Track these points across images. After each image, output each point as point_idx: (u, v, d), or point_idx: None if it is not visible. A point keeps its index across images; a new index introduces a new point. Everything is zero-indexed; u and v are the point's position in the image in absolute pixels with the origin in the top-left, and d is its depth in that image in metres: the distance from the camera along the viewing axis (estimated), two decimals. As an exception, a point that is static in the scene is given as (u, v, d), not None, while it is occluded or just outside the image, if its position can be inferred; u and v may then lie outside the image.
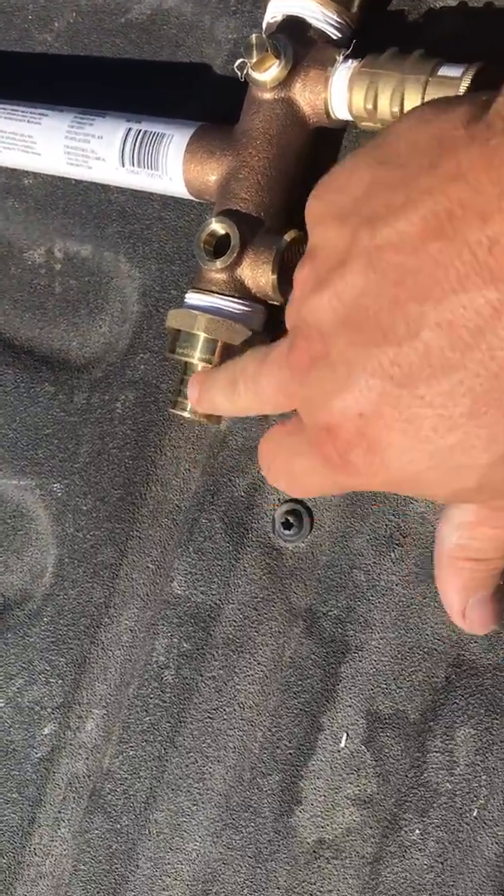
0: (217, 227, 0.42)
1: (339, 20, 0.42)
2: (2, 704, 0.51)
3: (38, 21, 0.56)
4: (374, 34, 0.44)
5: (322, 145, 0.44)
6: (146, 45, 0.53)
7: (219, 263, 0.42)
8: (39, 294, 0.54)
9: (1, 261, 0.55)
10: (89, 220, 0.52)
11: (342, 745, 0.42)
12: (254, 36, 0.40)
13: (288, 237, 0.42)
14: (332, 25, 0.42)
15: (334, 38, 0.42)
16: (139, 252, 0.51)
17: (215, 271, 0.42)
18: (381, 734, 0.41)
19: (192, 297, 0.43)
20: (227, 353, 0.42)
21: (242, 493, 0.46)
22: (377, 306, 0.29)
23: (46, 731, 0.50)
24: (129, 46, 0.54)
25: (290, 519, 0.44)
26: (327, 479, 0.33)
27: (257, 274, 0.42)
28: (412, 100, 0.39)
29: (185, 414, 0.44)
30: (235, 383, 0.38)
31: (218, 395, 0.40)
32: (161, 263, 0.50)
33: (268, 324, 0.44)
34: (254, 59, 0.40)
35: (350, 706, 0.42)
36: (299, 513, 0.44)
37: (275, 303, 0.43)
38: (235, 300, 0.42)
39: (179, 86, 0.52)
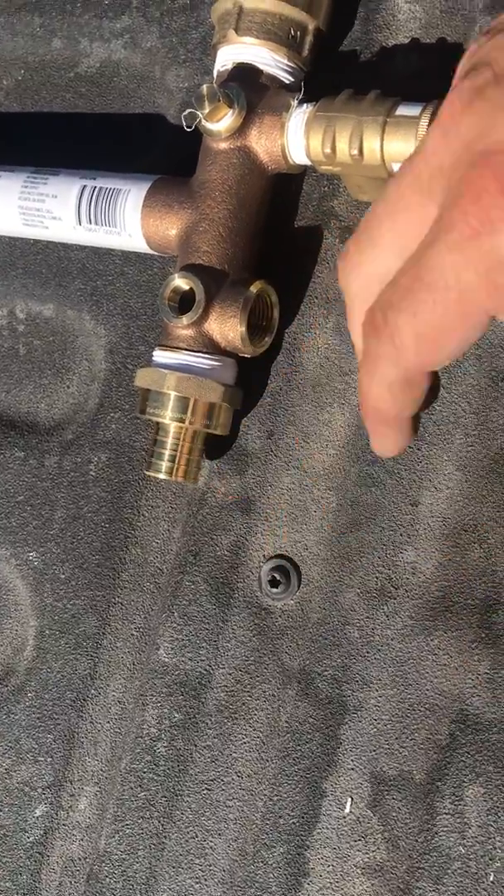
0: (181, 282, 0.41)
1: (290, 64, 0.41)
2: (-11, 788, 0.48)
3: (-15, 80, 0.55)
4: (326, 76, 0.43)
5: (281, 190, 0.43)
6: (97, 98, 0.52)
7: (185, 320, 0.40)
8: (3, 356, 0.52)
9: (-38, 325, 0.54)
10: (50, 279, 0.51)
11: (347, 810, 0.40)
12: (204, 87, 0.39)
13: (254, 288, 0.41)
14: (283, 70, 0.41)
15: (287, 82, 0.42)
16: (103, 309, 0.49)
17: (182, 327, 0.41)
18: (386, 797, 0.40)
19: (160, 355, 0.42)
20: (199, 409, 0.41)
21: (226, 552, 0.44)
22: None
23: (38, 812, 0.47)
24: (80, 100, 0.53)
25: (277, 576, 0.42)
26: (472, 254, 0.26)
27: (225, 328, 0.41)
28: (371, 141, 0.38)
29: (161, 475, 0.42)
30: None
31: (364, 380, 0.30)
32: (126, 319, 0.49)
33: (240, 376, 0.43)
34: (206, 110, 0.39)
35: (353, 769, 0.40)
36: (286, 569, 0.43)
37: (245, 355, 0.42)
38: (204, 356, 0.41)
39: (134, 138, 0.51)
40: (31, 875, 0.47)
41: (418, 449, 0.41)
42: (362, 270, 0.31)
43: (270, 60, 0.41)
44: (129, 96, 0.51)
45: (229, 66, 0.42)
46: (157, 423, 0.42)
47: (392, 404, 0.31)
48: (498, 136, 0.26)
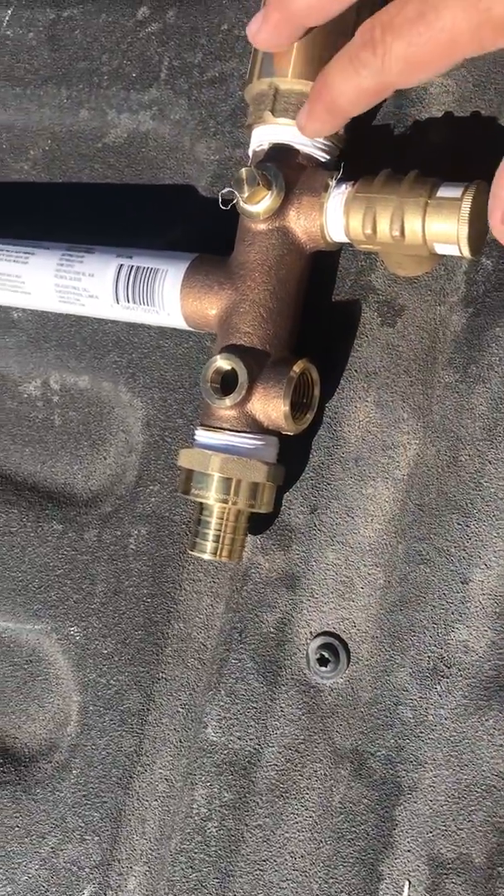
0: (223, 364, 0.41)
1: (326, 143, 0.41)
2: (36, 867, 0.48)
3: (12, 151, 0.56)
4: (360, 151, 0.43)
5: (318, 264, 0.43)
6: (126, 169, 0.52)
7: (228, 401, 0.40)
8: (38, 427, 0.52)
9: (-5, 395, 0.54)
10: (84, 352, 0.51)
11: (405, 894, 0.40)
12: (244, 170, 0.39)
13: (297, 368, 0.41)
14: (320, 149, 0.41)
15: (323, 160, 0.42)
16: (139, 381, 0.49)
17: (225, 408, 0.41)
18: (445, 881, 0.39)
19: (203, 435, 0.42)
20: (243, 489, 0.41)
21: (272, 629, 0.44)
22: None
23: (86, 893, 0.47)
24: (109, 171, 0.53)
25: (326, 654, 0.42)
26: (468, 4, 0.30)
27: (269, 408, 0.40)
28: (413, 222, 0.38)
29: (206, 556, 0.42)
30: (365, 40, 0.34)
31: (337, 76, 0.36)
32: (163, 392, 0.49)
33: (281, 454, 0.43)
34: (245, 194, 0.39)
35: (409, 851, 0.40)
36: (334, 647, 0.42)
37: (287, 433, 0.42)
38: (248, 436, 0.41)
39: (164, 208, 0.51)
40: None
41: (468, 526, 0.40)
42: None
43: (307, 141, 0.41)
44: (159, 167, 0.51)
45: (265, 146, 0.42)
46: (201, 504, 0.42)
47: (352, 105, 0.37)
48: None
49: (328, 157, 0.42)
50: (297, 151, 0.41)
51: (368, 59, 0.34)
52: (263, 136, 0.42)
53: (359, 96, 0.36)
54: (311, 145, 0.41)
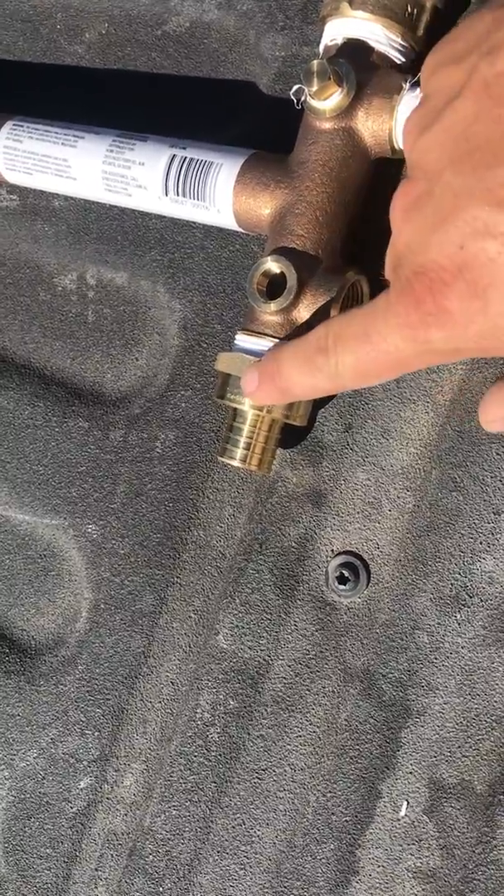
0: (272, 266, 0.39)
1: (403, 44, 0.39)
2: (35, 755, 0.48)
3: (67, 31, 0.53)
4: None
5: (379, 174, 0.41)
6: (185, 60, 0.50)
7: (273, 306, 0.39)
8: (71, 322, 0.51)
9: (29, 285, 0.52)
10: (125, 247, 0.50)
11: (402, 813, 0.40)
12: (315, 63, 0.37)
13: (349, 277, 0.39)
14: (396, 49, 0.39)
15: (398, 62, 0.40)
16: (180, 283, 0.48)
17: (269, 313, 0.39)
18: (444, 804, 0.39)
19: (244, 340, 0.40)
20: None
21: (294, 544, 0.44)
22: (489, 131, 0.29)
23: (82, 784, 0.47)
24: (167, 61, 0.51)
25: (346, 573, 0.42)
26: (408, 338, 0.32)
27: (314, 318, 0.39)
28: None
29: (235, 462, 0.41)
30: (320, 345, 0.35)
31: (293, 371, 0.37)
32: (203, 296, 0.47)
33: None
34: (314, 88, 0.38)
35: (411, 773, 0.40)
36: (355, 567, 0.42)
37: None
38: (291, 344, 0.40)
39: (222, 105, 0.49)
40: (73, 844, 0.47)
41: (506, 457, 0.40)
42: None
43: (384, 38, 0.39)
44: (219, 60, 0.49)
45: (339, 41, 0.40)
46: (235, 409, 0.41)
47: (306, 395, 0.39)
48: (428, 258, 0.31)
49: (404, 60, 0.40)
50: (371, 50, 0.39)
51: (323, 364, 0.35)
52: (337, 30, 0.40)
53: (314, 391, 0.37)
54: (388, 44, 0.39)
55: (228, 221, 0.43)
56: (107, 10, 0.52)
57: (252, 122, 0.47)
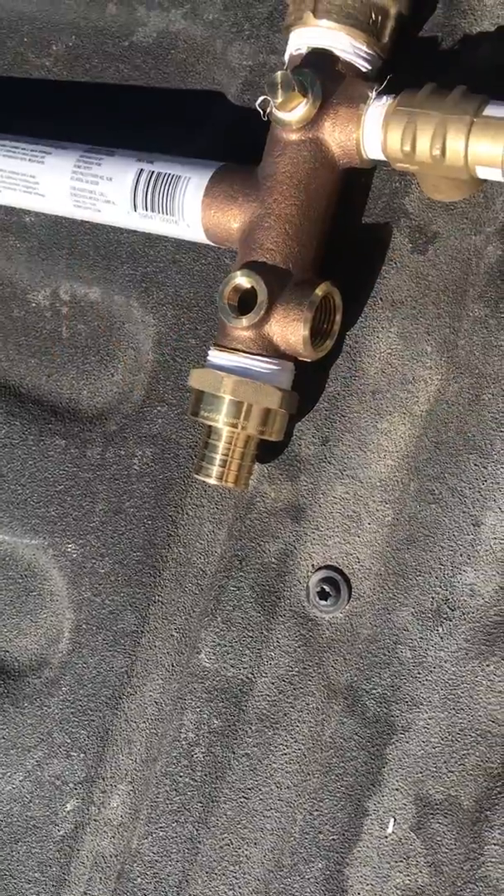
0: (242, 280, 0.39)
1: (369, 52, 0.39)
2: (20, 779, 0.48)
3: (34, 45, 0.53)
4: (404, 63, 0.40)
5: (349, 183, 0.41)
6: (153, 71, 0.49)
7: (245, 321, 0.38)
8: (45, 339, 0.51)
9: (2, 302, 0.52)
10: (98, 262, 0.49)
11: (390, 830, 0.40)
12: (279, 74, 0.37)
13: (320, 291, 0.39)
14: (361, 58, 0.39)
15: (364, 70, 0.39)
16: (153, 297, 0.47)
17: (241, 329, 0.39)
18: (432, 821, 0.39)
19: (216, 356, 0.40)
20: (255, 414, 0.39)
21: (273, 559, 0.43)
22: None
23: (69, 807, 0.47)
24: (135, 72, 0.50)
25: (327, 588, 0.41)
26: None
27: (287, 331, 0.39)
28: (455, 141, 0.36)
29: (211, 480, 0.41)
30: None
31: None
32: (177, 310, 0.47)
33: (296, 381, 0.41)
34: (279, 99, 0.37)
35: (397, 790, 0.40)
36: (336, 581, 0.41)
37: (305, 359, 0.40)
38: (263, 359, 0.39)
39: (190, 115, 0.48)
40: (61, 868, 0.47)
41: (485, 467, 0.39)
42: None
43: (349, 47, 0.38)
44: (187, 71, 0.49)
45: (303, 51, 0.39)
46: (210, 426, 0.41)
47: None
48: None
49: (369, 68, 0.39)
50: (337, 58, 0.39)
51: None
52: (302, 39, 0.39)
53: None
54: (353, 52, 0.39)
55: (198, 235, 0.42)
56: (74, 23, 0.52)
57: (221, 132, 0.47)
